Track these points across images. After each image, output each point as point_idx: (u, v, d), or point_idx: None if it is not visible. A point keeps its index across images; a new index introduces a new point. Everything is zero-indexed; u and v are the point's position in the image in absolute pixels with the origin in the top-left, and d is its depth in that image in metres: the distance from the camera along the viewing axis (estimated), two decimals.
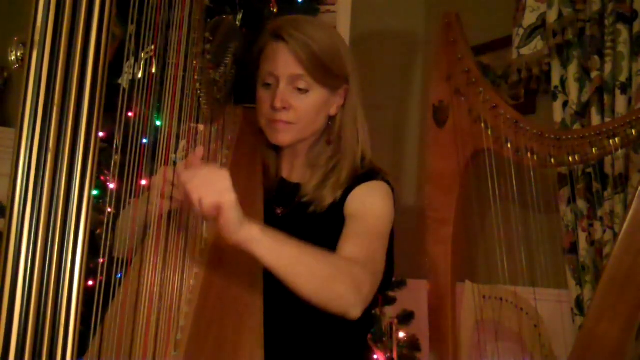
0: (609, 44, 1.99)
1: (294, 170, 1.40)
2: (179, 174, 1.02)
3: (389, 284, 1.47)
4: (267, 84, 1.31)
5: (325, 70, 1.29)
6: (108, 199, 1.57)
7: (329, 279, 1.09)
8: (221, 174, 1.00)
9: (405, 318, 2.32)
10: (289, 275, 1.05)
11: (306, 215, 1.31)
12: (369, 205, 1.29)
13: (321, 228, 1.27)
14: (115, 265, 0.94)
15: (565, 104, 2.14)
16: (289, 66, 1.27)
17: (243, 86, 1.37)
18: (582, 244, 2.06)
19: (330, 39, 1.31)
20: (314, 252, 1.10)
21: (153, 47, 0.99)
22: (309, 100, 1.30)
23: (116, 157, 0.94)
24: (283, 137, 1.32)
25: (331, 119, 1.36)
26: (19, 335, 0.58)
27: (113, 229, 1.05)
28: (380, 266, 1.24)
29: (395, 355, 2.23)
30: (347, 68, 1.34)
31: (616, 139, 1.77)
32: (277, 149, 1.40)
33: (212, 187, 0.99)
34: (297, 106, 1.29)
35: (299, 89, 1.29)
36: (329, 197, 1.30)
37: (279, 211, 1.35)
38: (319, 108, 1.32)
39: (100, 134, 0.62)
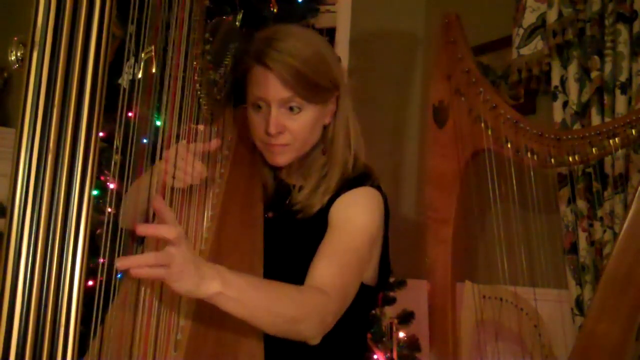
0: (609, 44, 1.99)
1: (291, 172, 1.40)
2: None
3: (385, 284, 1.47)
4: (257, 106, 1.29)
5: (314, 87, 1.26)
6: (108, 199, 1.58)
7: (292, 320, 1.10)
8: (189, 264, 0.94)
9: (405, 318, 2.32)
10: (251, 320, 1.05)
11: (294, 221, 1.31)
12: (352, 217, 1.28)
13: (307, 234, 1.27)
14: (115, 265, 0.94)
15: (565, 104, 2.14)
16: (277, 91, 1.25)
17: (243, 87, 1.37)
18: (582, 244, 2.06)
19: (313, 49, 1.27)
20: (279, 293, 1.09)
21: (153, 47, 0.99)
22: (303, 119, 1.28)
23: (116, 157, 0.94)
24: (281, 159, 1.31)
25: (325, 127, 1.35)
26: (19, 335, 0.58)
27: (114, 229, 1.05)
28: (351, 288, 1.23)
29: (395, 355, 2.23)
30: (335, 75, 1.31)
31: (616, 139, 1.77)
32: None
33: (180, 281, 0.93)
34: (291, 127, 1.28)
35: (291, 109, 1.27)
36: (318, 204, 1.30)
37: (269, 214, 1.35)
38: (313, 124, 1.30)
39: (100, 134, 0.62)
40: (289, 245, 1.31)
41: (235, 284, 1.01)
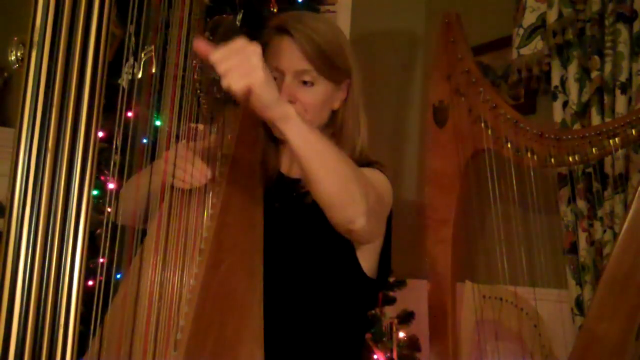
0: (609, 44, 1.98)
1: (293, 165, 1.40)
2: (210, 57, 0.97)
3: (386, 280, 1.46)
4: None
5: (329, 64, 1.30)
6: (108, 199, 1.58)
7: (348, 179, 1.08)
8: (249, 50, 0.96)
9: (405, 318, 2.32)
10: (314, 164, 1.05)
11: (303, 205, 1.31)
12: (370, 174, 1.28)
13: (318, 216, 1.27)
14: (114, 265, 0.94)
15: (565, 104, 2.14)
16: (294, 61, 1.28)
17: None
18: (582, 244, 2.05)
19: (333, 33, 1.33)
20: (337, 150, 1.10)
21: (153, 47, 0.99)
22: (315, 93, 1.31)
23: (116, 157, 0.94)
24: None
25: (334, 112, 1.37)
26: (18, 335, 0.58)
27: (113, 228, 1.05)
28: (382, 212, 1.23)
29: (395, 355, 2.23)
30: (349, 62, 1.35)
31: (616, 139, 1.77)
32: (277, 145, 1.40)
33: (240, 68, 0.94)
34: (303, 99, 1.30)
35: (304, 82, 1.30)
36: None
37: (277, 205, 1.35)
38: (324, 101, 1.33)
39: (100, 134, 0.62)
40: (301, 229, 1.31)
41: (308, 122, 1.05)
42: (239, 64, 0.94)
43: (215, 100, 1.29)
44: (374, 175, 1.29)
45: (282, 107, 1.02)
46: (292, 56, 1.28)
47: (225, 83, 0.95)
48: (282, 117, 1.01)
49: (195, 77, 1.14)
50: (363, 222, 1.09)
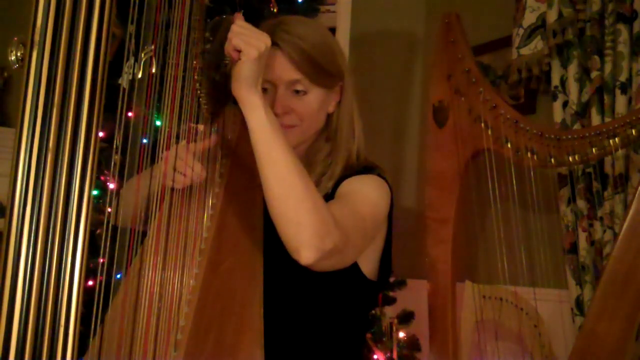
0: (609, 44, 1.98)
1: None
2: (236, 20, 1.11)
3: (386, 281, 1.46)
4: (263, 89, 1.31)
5: (320, 70, 1.29)
6: (108, 199, 1.58)
7: (300, 201, 1.06)
8: (263, 36, 1.09)
9: (405, 318, 2.32)
10: (267, 166, 1.07)
11: None
12: (359, 189, 1.27)
13: None
14: (114, 265, 0.94)
15: (565, 104, 2.14)
16: (285, 72, 1.27)
17: None
18: (582, 244, 2.05)
19: (322, 37, 1.31)
20: (303, 172, 1.10)
21: (153, 47, 1.00)
22: (309, 101, 1.30)
23: (116, 157, 0.94)
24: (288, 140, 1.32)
25: (329, 116, 1.36)
26: (19, 335, 0.58)
27: (113, 228, 1.05)
28: (361, 237, 1.20)
29: (395, 355, 2.23)
30: (340, 65, 1.34)
31: (616, 139, 1.77)
32: None
33: (246, 37, 1.07)
34: (297, 109, 1.29)
35: (297, 92, 1.29)
36: (322, 191, 1.30)
37: None
38: (319, 108, 1.32)
39: (100, 134, 0.62)
40: None
41: (276, 122, 1.11)
42: (248, 35, 1.07)
43: (215, 100, 1.29)
44: (367, 191, 1.28)
45: (252, 93, 1.07)
46: (281, 67, 1.27)
47: (228, 38, 1.08)
48: (249, 102, 1.08)
49: (196, 77, 1.14)
50: (310, 259, 1.06)
